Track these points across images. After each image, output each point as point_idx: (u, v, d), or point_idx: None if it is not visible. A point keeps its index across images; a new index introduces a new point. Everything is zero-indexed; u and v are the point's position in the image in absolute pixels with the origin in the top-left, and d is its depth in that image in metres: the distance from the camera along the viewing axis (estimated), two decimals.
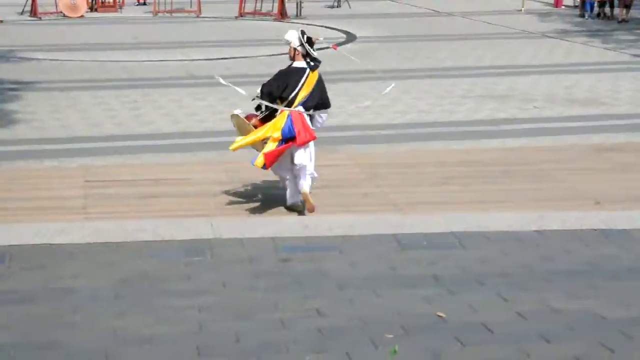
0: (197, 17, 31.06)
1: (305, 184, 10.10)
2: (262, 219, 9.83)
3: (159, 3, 31.52)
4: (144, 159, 13.14)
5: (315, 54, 10.19)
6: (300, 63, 10.16)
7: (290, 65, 10.24)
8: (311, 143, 10.14)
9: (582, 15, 31.14)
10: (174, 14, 31.42)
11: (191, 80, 19.49)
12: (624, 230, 9.11)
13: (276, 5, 30.72)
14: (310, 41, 10.18)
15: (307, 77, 10.08)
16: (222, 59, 22.47)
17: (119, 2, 32.97)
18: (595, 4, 31.01)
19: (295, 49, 10.16)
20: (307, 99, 10.07)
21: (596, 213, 9.73)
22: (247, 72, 20.53)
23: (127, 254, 8.38)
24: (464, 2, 35.65)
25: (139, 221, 9.55)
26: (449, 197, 10.69)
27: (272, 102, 10.06)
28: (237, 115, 10.36)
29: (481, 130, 14.86)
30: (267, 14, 30.93)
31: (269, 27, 29.09)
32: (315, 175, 10.30)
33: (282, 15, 30.42)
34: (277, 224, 9.43)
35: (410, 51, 23.55)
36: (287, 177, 10.30)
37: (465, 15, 31.78)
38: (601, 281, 7.64)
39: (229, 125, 15.15)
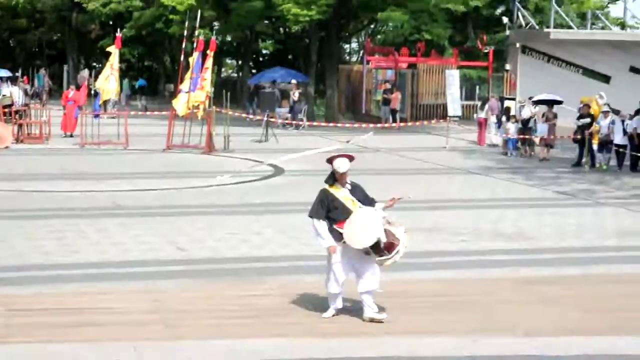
0: (125, 149, 31.03)
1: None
2: (188, 343, 9.59)
3: (85, 135, 31.46)
4: (68, 288, 12.85)
5: None
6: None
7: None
8: None
9: (505, 153, 31.86)
10: (101, 146, 31.35)
11: (119, 211, 19.30)
12: (558, 357, 9.08)
13: (204, 138, 30.87)
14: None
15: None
16: (150, 190, 22.36)
17: (45, 133, 32.83)
18: (518, 142, 31.78)
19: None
20: None
21: (529, 340, 9.71)
22: (175, 203, 20.45)
23: None
24: (390, 139, 36.25)
25: (58, 345, 9.25)
26: (380, 327, 10.57)
27: None
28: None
29: (410, 262, 14.85)
30: (195, 146, 31.05)
31: (197, 159, 29.16)
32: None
33: (210, 148, 30.57)
34: (204, 348, 9.22)
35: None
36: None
37: (391, 151, 32.28)
38: None
39: (156, 255, 15.12)
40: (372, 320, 10.70)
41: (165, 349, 9.25)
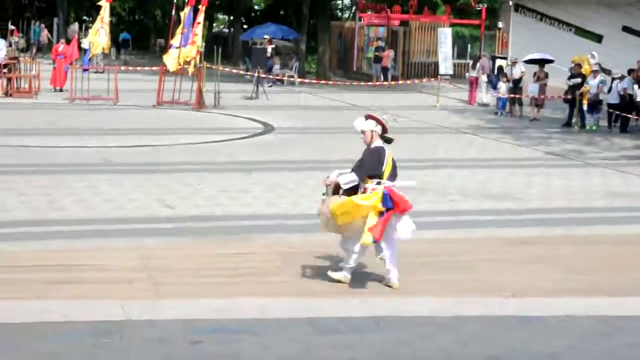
0: (114, 104, 30.92)
1: (393, 275, 10.56)
2: (175, 302, 9.63)
3: (75, 90, 31.33)
4: (55, 245, 12.86)
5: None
6: (379, 142, 10.86)
7: (376, 147, 10.82)
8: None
9: (496, 113, 31.85)
10: (90, 101, 31.23)
11: (108, 167, 19.28)
12: (540, 317, 9.16)
13: (194, 95, 30.77)
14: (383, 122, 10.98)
15: (387, 155, 10.80)
16: (139, 146, 22.32)
17: (34, 87, 32.68)
18: (507, 102, 31.76)
19: (372, 131, 10.85)
20: (390, 175, 10.76)
21: (513, 300, 9.77)
22: (164, 160, 20.43)
23: (31, 336, 8.09)
24: (381, 97, 36.20)
25: (44, 302, 9.28)
26: (366, 287, 10.61)
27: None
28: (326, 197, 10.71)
29: None
30: (185, 103, 30.96)
31: (187, 116, 29.10)
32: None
33: (200, 105, 30.49)
34: (190, 307, 9.26)
35: (328, 143, 23.72)
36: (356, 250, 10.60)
37: (382, 109, 32.19)
38: None
39: (145, 213, 15.13)
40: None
41: (152, 307, 9.28)
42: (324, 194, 10.90)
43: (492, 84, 34.16)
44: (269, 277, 10.91)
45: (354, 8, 56.70)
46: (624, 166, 21.52)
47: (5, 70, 32.56)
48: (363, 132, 10.96)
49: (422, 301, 9.62)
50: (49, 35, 54.72)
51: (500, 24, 43.54)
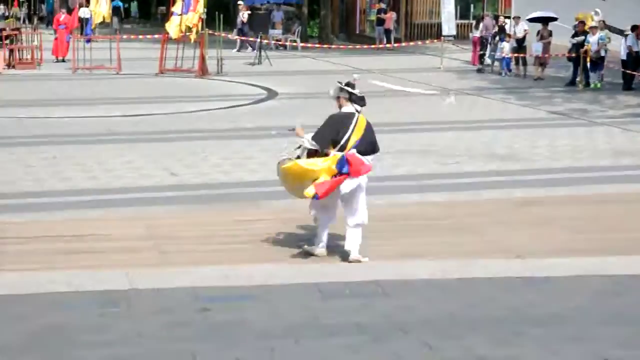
0: (117, 74, 30.84)
1: (354, 245, 10.11)
2: (181, 270, 9.65)
3: (78, 60, 31.24)
4: (60, 215, 12.88)
5: (357, 92, 10.43)
6: (348, 108, 10.40)
7: (333, 113, 10.46)
8: (363, 191, 10.25)
9: (499, 73, 31.71)
10: (93, 71, 31.15)
11: (111, 137, 19.26)
12: (547, 277, 9.15)
13: (197, 62, 30.67)
14: (349, 84, 10.46)
15: (357, 121, 10.27)
16: (142, 115, 22.29)
17: (37, 58, 32.59)
18: (512, 61, 31.61)
19: (339, 97, 10.44)
20: (358, 142, 10.21)
21: (519, 261, 9.77)
22: (169, 128, 20.40)
23: (39, 306, 8.12)
24: (384, 60, 36.06)
25: (51, 273, 9.31)
26: (371, 250, 10.60)
27: (324, 147, 10.19)
28: (286, 160, 10.28)
29: (401, 185, 14.90)
30: (188, 70, 30.87)
31: (190, 83, 29.03)
32: (365, 222, 10.29)
33: (203, 72, 30.40)
34: (196, 274, 9.28)
35: (331, 107, 23.65)
36: (326, 220, 10.30)
37: (384, 72, 32.10)
38: (525, 328, 7.63)
39: (149, 182, 15.13)
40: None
41: (158, 275, 9.30)
42: (297, 149, 10.44)
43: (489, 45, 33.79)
44: (275, 243, 10.91)
45: None
46: (629, 124, 21.44)
47: (7, 42, 32.47)
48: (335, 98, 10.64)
49: (426, 264, 9.63)
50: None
51: None
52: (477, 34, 34.66)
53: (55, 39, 34.83)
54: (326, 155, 10.17)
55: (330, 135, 10.24)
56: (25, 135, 19.44)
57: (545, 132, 20.29)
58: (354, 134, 10.22)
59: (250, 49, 38.58)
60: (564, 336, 7.47)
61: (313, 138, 10.29)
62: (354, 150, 10.19)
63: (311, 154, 10.30)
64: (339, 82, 10.54)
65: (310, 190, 9.86)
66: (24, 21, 39.66)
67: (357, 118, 10.32)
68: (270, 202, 13.70)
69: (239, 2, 41.68)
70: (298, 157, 10.33)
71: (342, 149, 10.16)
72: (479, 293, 8.62)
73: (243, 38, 38.99)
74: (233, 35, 39.52)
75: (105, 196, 14.06)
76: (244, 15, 39.93)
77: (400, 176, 15.72)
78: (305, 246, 10.58)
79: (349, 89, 10.43)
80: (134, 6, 68.41)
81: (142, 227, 11.77)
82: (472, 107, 24.44)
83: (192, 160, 16.79)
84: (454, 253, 10.40)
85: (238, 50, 39.31)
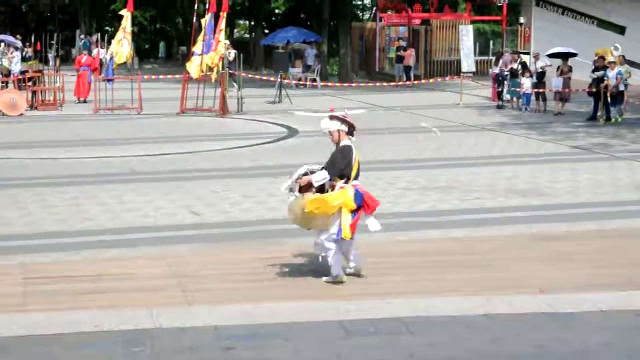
0: (138, 114, 31.04)
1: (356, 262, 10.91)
2: (205, 308, 9.65)
3: (99, 101, 31.47)
4: (84, 254, 12.93)
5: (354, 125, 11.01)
6: (347, 141, 10.93)
7: (344, 145, 10.90)
8: None
9: (519, 109, 31.71)
10: (115, 112, 31.36)
11: (133, 176, 19.35)
12: (571, 313, 9.09)
13: (217, 101, 30.84)
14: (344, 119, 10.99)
15: (354, 153, 10.87)
16: (164, 154, 22.40)
17: (59, 99, 32.86)
18: (532, 96, 31.62)
19: (339, 130, 10.96)
20: (357, 172, 10.87)
21: (543, 297, 9.71)
22: (189, 167, 20.48)
23: (64, 346, 8.12)
24: (404, 97, 36.13)
25: (76, 312, 9.32)
26: (394, 287, 10.59)
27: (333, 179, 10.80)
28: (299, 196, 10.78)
29: (425, 221, 14.89)
30: (209, 109, 31.03)
31: (211, 122, 29.16)
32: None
33: (224, 111, 30.55)
34: (220, 312, 9.27)
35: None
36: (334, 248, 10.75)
37: (405, 109, 32.17)
38: None
39: (171, 220, 15.17)
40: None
41: (182, 314, 9.30)
42: (291, 190, 10.96)
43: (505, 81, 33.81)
44: (298, 280, 10.90)
45: (374, 8, 56.68)
46: None
47: (30, 84, 32.78)
48: (330, 132, 11.07)
49: (450, 300, 9.58)
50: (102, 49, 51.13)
51: (521, 19, 43.33)
52: (496, 70, 34.70)
53: (78, 79, 35.10)
54: (332, 187, 10.71)
55: (342, 166, 10.74)
56: (47, 175, 19.55)
57: (567, 167, 20.25)
58: (355, 165, 10.80)
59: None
60: None
61: (331, 168, 10.74)
62: (357, 182, 10.76)
63: (319, 189, 10.75)
64: (337, 117, 11.07)
65: (348, 233, 10.59)
66: (46, 61, 39.95)
67: (354, 151, 10.87)
68: (293, 240, 13.69)
69: (225, 42, 41.25)
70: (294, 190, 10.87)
71: (347, 180, 10.71)
72: (505, 329, 8.57)
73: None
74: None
75: (127, 235, 14.11)
76: (230, 54, 39.65)
77: (424, 212, 15.71)
78: (324, 278, 10.79)
79: (349, 123, 11.00)
80: (162, 46, 68.91)
81: (164, 266, 11.78)
82: (494, 143, 24.43)
83: (213, 198, 16.83)
84: (478, 289, 10.35)
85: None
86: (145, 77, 37.67)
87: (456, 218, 15.13)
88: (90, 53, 38.97)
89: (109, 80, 32.51)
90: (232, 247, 13.37)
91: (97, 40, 44.64)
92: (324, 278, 10.83)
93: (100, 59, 36.17)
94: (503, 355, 7.83)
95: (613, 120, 28.31)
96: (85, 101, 34.15)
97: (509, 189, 17.69)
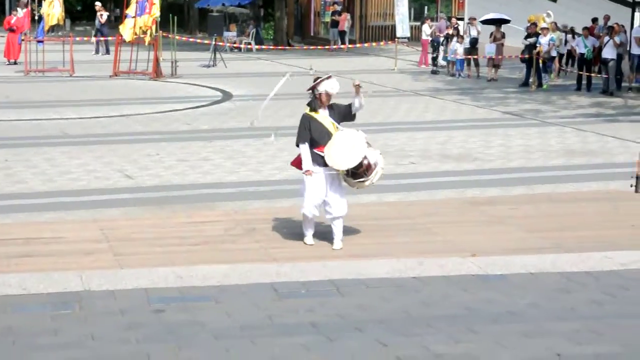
0: (70, 76, 30.60)
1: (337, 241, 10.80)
2: (135, 271, 9.58)
3: (30, 62, 30.95)
4: (14, 218, 12.77)
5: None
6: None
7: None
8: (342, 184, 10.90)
9: (453, 75, 31.90)
10: (46, 74, 30.88)
11: (66, 139, 19.11)
12: (502, 275, 9.21)
13: (151, 64, 30.52)
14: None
15: None
16: (97, 117, 22.14)
17: None
18: (465, 63, 31.80)
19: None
20: None
21: (474, 260, 9.81)
22: (123, 130, 20.29)
23: None
24: (339, 61, 36.11)
25: (3, 276, 9.19)
26: (326, 252, 10.63)
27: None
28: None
29: None
30: (142, 72, 30.71)
31: (145, 86, 28.88)
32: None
33: (157, 74, 30.26)
34: (151, 275, 9.21)
35: (287, 109, 23.65)
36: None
37: (340, 73, 32.11)
38: (481, 325, 7.67)
39: (104, 184, 15.03)
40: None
41: (112, 277, 9.22)
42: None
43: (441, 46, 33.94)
44: (230, 244, 10.89)
45: None
46: (581, 124, 21.68)
47: None
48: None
49: (382, 263, 9.64)
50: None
51: None
52: (425, 36, 34.75)
53: (7, 41, 34.45)
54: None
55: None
56: None
57: (499, 132, 20.46)
58: None
59: (104, 50, 37.87)
60: (518, 332, 7.52)
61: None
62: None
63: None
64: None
65: None
66: None
67: None
68: (225, 204, 13.69)
69: (96, 3, 40.44)
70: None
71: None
72: (436, 291, 8.66)
73: (102, 38, 38.36)
74: (91, 38, 38.86)
75: (59, 199, 13.97)
76: (102, 16, 39.11)
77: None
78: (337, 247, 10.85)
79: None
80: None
81: (96, 229, 11.67)
82: (427, 108, 24.56)
83: (147, 162, 16.71)
84: (410, 252, 10.43)
85: (96, 53, 38.60)
86: (78, 38, 37.09)
87: (390, 183, 15.19)
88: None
89: (39, 42, 31.92)
90: (165, 210, 13.30)
91: (27, 1, 43.60)
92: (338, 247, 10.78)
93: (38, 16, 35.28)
94: (433, 316, 7.91)
95: (544, 86, 28.63)
96: (15, 63, 33.54)
97: (443, 154, 17.83)
